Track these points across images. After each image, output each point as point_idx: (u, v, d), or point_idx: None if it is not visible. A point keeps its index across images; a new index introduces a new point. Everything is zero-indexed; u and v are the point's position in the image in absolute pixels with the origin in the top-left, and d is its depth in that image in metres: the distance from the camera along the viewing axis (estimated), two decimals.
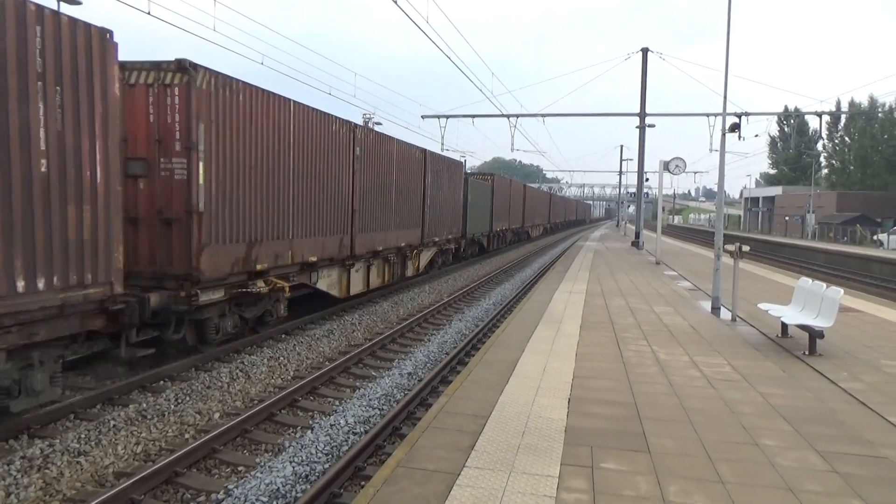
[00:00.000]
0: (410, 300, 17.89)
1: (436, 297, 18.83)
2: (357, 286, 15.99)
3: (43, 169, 6.85)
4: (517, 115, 33.84)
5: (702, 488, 4.69)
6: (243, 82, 10.53)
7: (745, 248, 12.04)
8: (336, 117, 14.03)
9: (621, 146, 64.82)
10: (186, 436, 7.56)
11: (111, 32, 7.65)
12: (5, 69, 6.33)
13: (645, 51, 31.84)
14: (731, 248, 11.94)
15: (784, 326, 10.38)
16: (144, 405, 8.15)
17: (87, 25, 7.31)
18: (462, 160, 32.51)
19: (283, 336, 12.40)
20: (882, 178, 68.36)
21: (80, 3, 15.09)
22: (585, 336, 10.11)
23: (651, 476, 4.88)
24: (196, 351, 10.39)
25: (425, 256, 22.15)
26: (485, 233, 32.19)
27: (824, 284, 9.89)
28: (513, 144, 42.85)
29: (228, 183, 10.21)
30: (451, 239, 25.23)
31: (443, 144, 34.16)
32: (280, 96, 11.63)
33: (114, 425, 7.45)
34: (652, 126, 32.88)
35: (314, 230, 13.20)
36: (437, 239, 22.93)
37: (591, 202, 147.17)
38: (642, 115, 32.10)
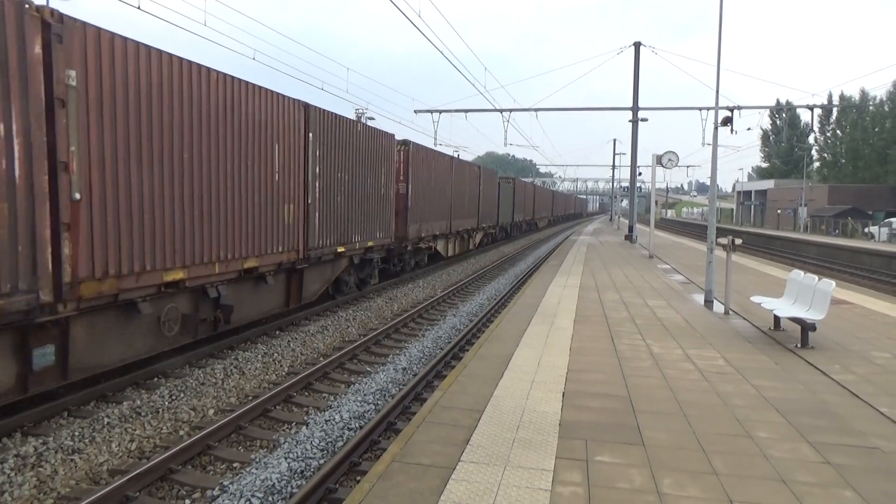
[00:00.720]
0: (404, 296, 17.89)
1: (430, 293, 18.83)
2: (451, 251, 26.99)
3: (382, 192, 17.39)
4: (510, 110, 33.85)
5: (696, 480, 4.72)
6: (424, 146, 22.05)
7: (738, 241, 12.08)
8: (446, 154, 26.06)
9: (614, 140, 64.92)
10: (181, 432, 7.55)
11: (394, 135, 18.29)
12: (383, 158, 17.56)
13: (637, 45, 31.84)
14: (723, 241, 11.99)
15: (776, 319, 10.43)
16: (139, 402, 8.13)
17: (391, 135, 17.97)
18: (455, 155, 32.64)
19: (277, 332, 12.39)
20: (873, 170, 68.68)
21: None
22: (579, 330, 10.14)
23: (645, 469, 4.90)
24: (395, 275, 20.47)
25: (478, 236, 32.86)
26: (509, 223, 42.13)
27: (816, 277, 9.94)
28: (506, 139, 42.66)
29: (418, 194, 20.95)
30: (491, 226, 35.85)
31: (436, 139, 34.09)
32: (432, 149, 23.76)
33: (108, 422, 7.43)
34: (645, 120, 32.95)
35: (438, 217, 23.98)
36: (484, 225, 33.39)
37: (586, 196, 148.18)
38: (635, 108, 32.12)
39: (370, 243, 16.63)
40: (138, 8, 11.82)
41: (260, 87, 11.11)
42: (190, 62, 9.23)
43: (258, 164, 11.10)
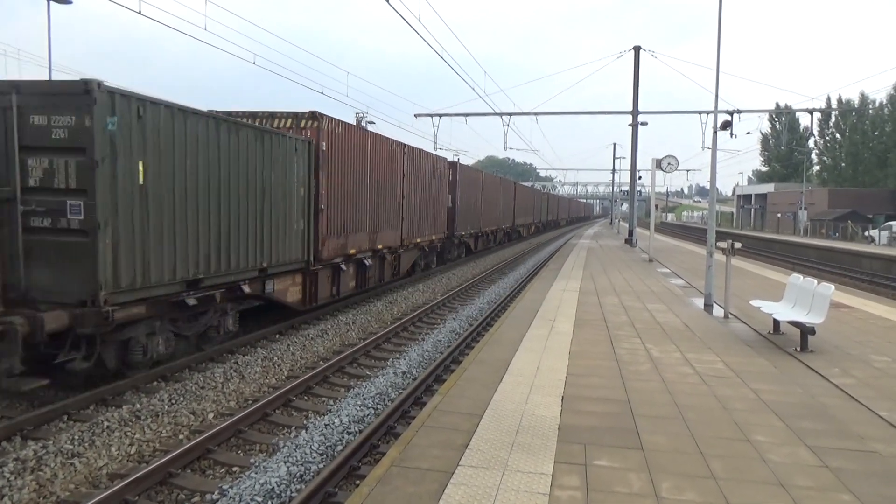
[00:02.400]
0: (404, 299, 17.89)
1: (430, 297, 18.84)
2: (525, 234, 50.29)
3: (501, 204, 38.88)
4: (510, 114, 33.83)
5: (694, 484, 4.73)
6: (523, 184, 56.69)
7: (738, 245, 12.10)
8: (526, 185, 60.26)
9: (614, 144, 65.19)
10: (181, 436, 7.56)
11: (516, 182, 48.49)
12: (504, 191, 41.11)
13: (637, 49, 31.89)
14: (723, 245, 12.00)
15: (776, 323, 10.44)
16: (138, 406, 8.13)
17: (510, 181, 46.13)
18: (455, 159, 32.76)
19: (277, 336, 12.39)
20: (873, 174, 68.70)
21: (69, 3, 15.04)
22: (579, 334, 10.15)
23: (644, 473, 4.91)
24: (511, 240, 44.74)
25: (532, 228, 54.27)
26: (544, 221, 64.96)
27: (815, 281, 9.96)
28: (506, 143, 42.49)
29: (518, 205, 44.48)
30: (537, 222, 58.35)
31: (436, 143, 34.12)
32: (523, 184, 58.53)
33: (107, 426, 7.43)
34: (644, 124, 32.98)
35: (522, 215, 46.66)
36: (535, 221, 56.25)
37: (592, 201, 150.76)
38: (635, 112, 32.16)
39: (502, 227, 37.76)
40: (139, 13, 11.87)
41: (409, 147, 19.80)
42: (366, 130, 16.62)
43: (390, 190, 18.28)
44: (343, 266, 14.98)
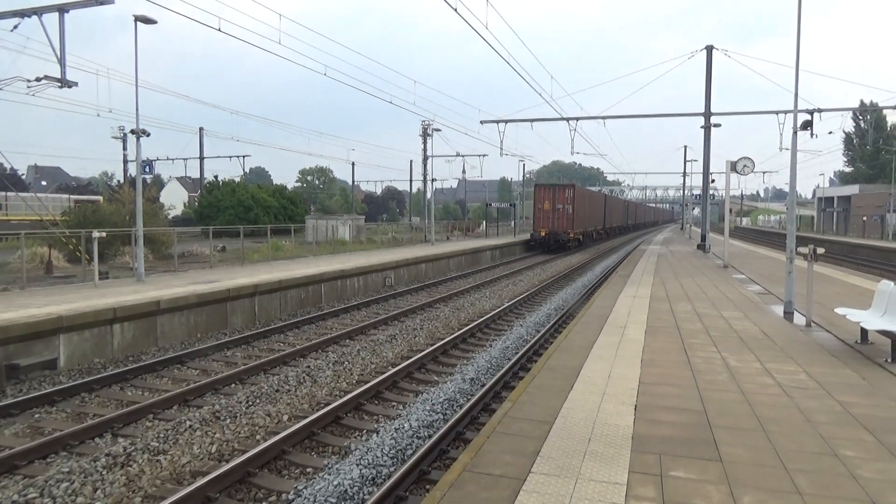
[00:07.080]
0: (471, 305, 17.93)
1: (496, 303, 18.81)
2: (620, 233, 77.04)
3: (622, 211, 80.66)
4: (577, 118, 33.45)
5: (778, 499, 4.53)
6: (640, 202, 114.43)
7: (820, 250, 11.54)
8: (650, 204, 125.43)
9: (685, 147, 63.43)
10: (258, 437, 7.81)
11: (628, 201, 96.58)
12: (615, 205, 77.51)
13: (709, 48, 30.97)
14: (804, 250, 11.47)
15: (864, 332, 9.89)
16: (217, 407, 8.46)
17: (607, 195, 76.21)
18: (521, 165, 32.90)
19: (347, 341, 12.65)
20: None
21: (154, 23, 15.87)
22: (651, 342, 9.91)
23: (723, 486, 4.74)
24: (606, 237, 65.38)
25: (618, 230, 72.15)
26: (651, 221, 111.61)
27: None
28: (573, 147, 41.99)
29: (609, 213, 67.60)
30: (647, 222, 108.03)
31: (501, 149, 34.14)
32: (642, 203, 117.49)
33: (189, 426, 7.77)
34: (717, 126, 31.91)
35: (617, 219, 73.31)
36: (646, 221, 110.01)
37: (666, 206, 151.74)
38: (707, 114, 31.20)
39: (605, 227, 58.84)
40: (218, 29, 12.40)
41: (602, 194, 61.45)
42: (590, 191, 54.57)
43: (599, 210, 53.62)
44: (581, 234, 40.45)
